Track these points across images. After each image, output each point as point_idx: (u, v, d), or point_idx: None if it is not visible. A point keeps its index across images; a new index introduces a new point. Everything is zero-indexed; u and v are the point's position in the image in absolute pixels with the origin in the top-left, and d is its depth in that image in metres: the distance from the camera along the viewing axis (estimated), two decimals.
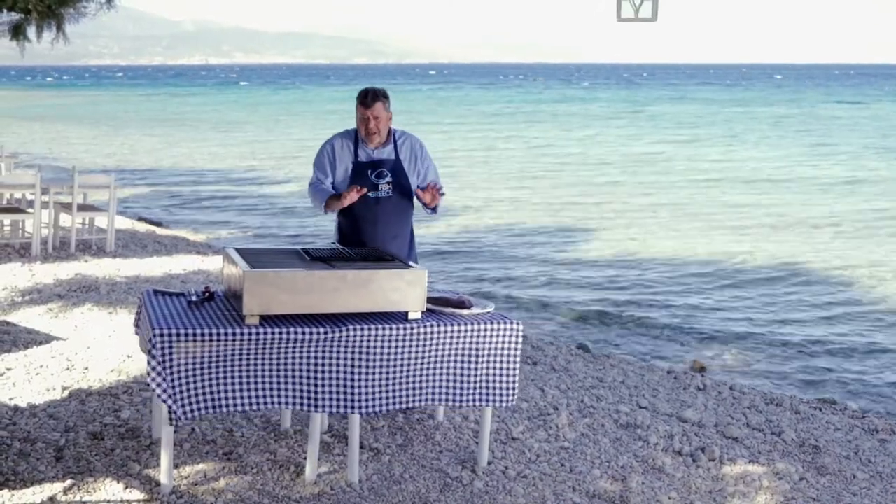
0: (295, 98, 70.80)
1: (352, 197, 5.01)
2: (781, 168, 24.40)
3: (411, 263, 4.50)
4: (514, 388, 4.54)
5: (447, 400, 4.43)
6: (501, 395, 4.52)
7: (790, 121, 44.09)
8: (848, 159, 26.73)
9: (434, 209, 5.24)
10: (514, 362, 4.51)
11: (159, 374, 3.90)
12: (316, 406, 4.18)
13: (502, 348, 4.48)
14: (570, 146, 30.90)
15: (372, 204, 5.15)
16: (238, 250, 4.51)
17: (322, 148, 5.30)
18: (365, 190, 5.04)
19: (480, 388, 4.48)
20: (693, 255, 13.14)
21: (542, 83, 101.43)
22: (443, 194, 5.18)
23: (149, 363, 3.92)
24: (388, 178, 5.17)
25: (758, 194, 19.50)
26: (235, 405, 4.09)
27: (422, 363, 4.32)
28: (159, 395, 3.93)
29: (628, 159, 26.51)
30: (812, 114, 49.78)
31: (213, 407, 4.06)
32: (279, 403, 4.16)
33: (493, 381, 4.50)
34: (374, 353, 4.21)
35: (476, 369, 4.45)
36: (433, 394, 4.40)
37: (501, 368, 4.50)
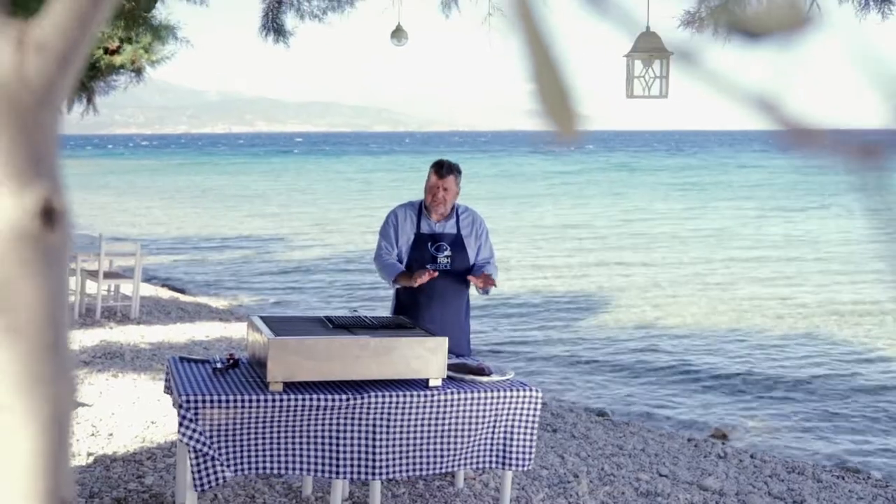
0: (324, 167, 71.38)
1: (422, 279, 5.16)
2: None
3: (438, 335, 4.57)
4: (531, 452, 4.59)
5: (466, 464, 4.49)
6: (519, 459, 4.57)
7: None
8: None
9: (486, 291, 5.39)
10: (532, 429, 4.57)
11: (192, 429, 4.00)
12: (337, 472, 4.24)
13: (521, 415, 4.53)
14: (599, 212, 31.06)
15: None
16: (262, 318, 4.62)
17: (387, 218, 5.50)
18: (437, 273, 5.19)
19: (498, 452, 4.54)
20: (715, 323, 13.12)
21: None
22: (494, 285, 5.32)
23: (182, 426, 4.01)
24: (448, 252, 5.33)
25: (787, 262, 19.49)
26: (258, 468, 4.17)
27: (442, 430, 4.38)
28: (198, 449, 3.99)
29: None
30: None
31: (235, 469, 4.12)
32: (301, 469, 4.22)
33: (511, 447, 4.55)
34: (395, 420, 4.27)
35: (494, 435, 4.51)
36: (452, 459, 4.45)
37: (520, 435, 4.55)
